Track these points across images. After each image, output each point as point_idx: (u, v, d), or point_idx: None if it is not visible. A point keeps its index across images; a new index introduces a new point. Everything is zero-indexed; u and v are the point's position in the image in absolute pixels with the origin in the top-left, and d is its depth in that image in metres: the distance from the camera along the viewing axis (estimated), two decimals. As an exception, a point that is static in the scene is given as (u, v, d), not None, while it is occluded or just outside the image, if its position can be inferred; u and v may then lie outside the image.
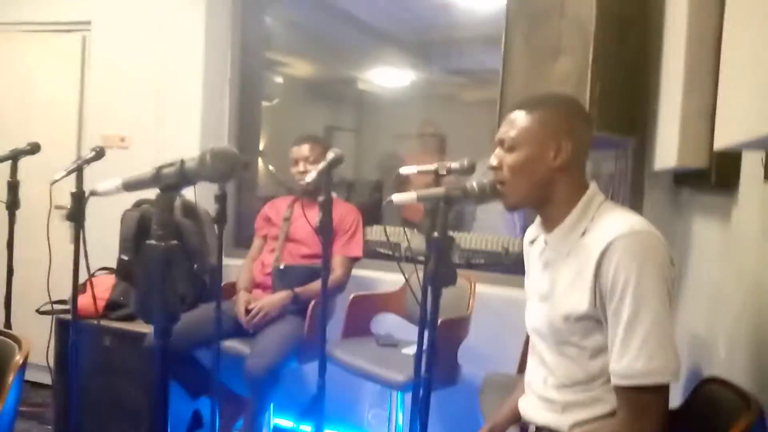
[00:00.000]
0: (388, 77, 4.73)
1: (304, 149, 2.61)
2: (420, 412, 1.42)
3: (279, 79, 4.30)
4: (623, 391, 1.15)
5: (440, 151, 4.08)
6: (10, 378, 1.29)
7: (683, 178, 1.93)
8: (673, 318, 1.17)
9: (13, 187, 2.30)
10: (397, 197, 1.48)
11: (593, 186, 1.31)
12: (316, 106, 4.89)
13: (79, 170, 2.15)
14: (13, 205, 2.31)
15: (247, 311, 2.44)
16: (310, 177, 1.89)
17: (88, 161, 2.18)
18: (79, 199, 2.15)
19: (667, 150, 1.59)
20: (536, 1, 2.06)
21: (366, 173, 4.25)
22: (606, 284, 1.16)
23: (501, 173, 1.31)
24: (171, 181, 1.02)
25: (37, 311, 2.47)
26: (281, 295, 2.47)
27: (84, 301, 2.47)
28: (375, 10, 4.18)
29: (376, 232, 3.16)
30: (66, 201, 3.31)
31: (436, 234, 1.36)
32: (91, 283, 2.60)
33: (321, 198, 1.86)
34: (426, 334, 1.61)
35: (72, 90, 3.36)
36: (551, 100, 1.37)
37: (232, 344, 2.38)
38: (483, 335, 2.34)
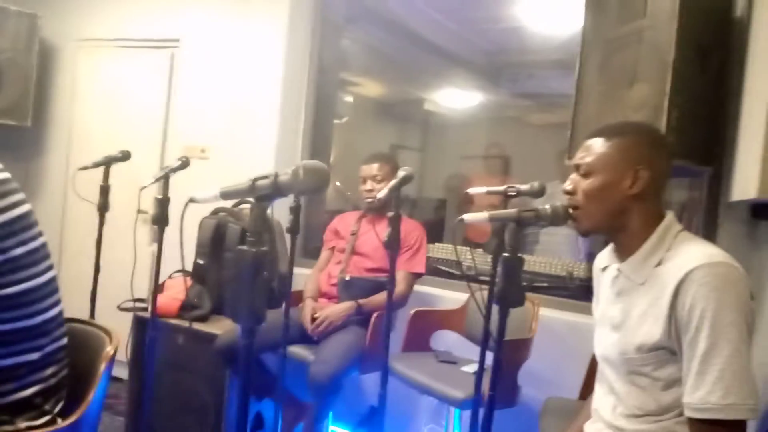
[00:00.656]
0: (455, 98, 4.79)
1: (374, 168, 2.69)
2: (482, 430, 1.44)
3: (349, 98, 4.44)
4: (697, 424, 1.13)
5: (504, 173, 4.09)
6: (102, 367, 1.39)
7: (762, 210, 1.88)
8: (751, 353, 1.15)
9: (105, 191, 2.47)
10: (468, 217, 1.52)
11: (670, 215, 1.30)
12: (383, 125, 5.01)
13: (165, 178, 2.30)
14: (103, 207, 2.48)
15: (313, 319, 2.52)
16: (381, 193, 1.96)
17: (175, 170, 2.32)
18: (164, 205, 2.29)
19: (747, 180, 1.57)
20: (613, 27, 2.07)
21: (429, 192, 4.31)
22: (682, 315, 1.15)
23: (575, 198, 1.33)
24: (265, 192, 1.10)
25: (119, 308, 2.63)
26: (346, 306, 2.54)
27: (161, 300, 2.63)
28: (447, 33, 4.27)
29: (437, 250, 3.20)
30: (146, 206, 3.53)
31: (505, 254, 1.39)
32: (169, 284, 2.78)
33: (390, 214, 1.92)
34: (489, 353, 1.64)
35: (159, 102, 3.58)
36: (631, 128, 1.38)
37: (296, 350, 2.46)
38: (544, 359, 2.33)
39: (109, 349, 1.41)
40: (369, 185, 2.68)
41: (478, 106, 4.68)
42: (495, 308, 1.46)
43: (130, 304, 2.76)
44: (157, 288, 2.38)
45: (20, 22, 3.47)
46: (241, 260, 1.10)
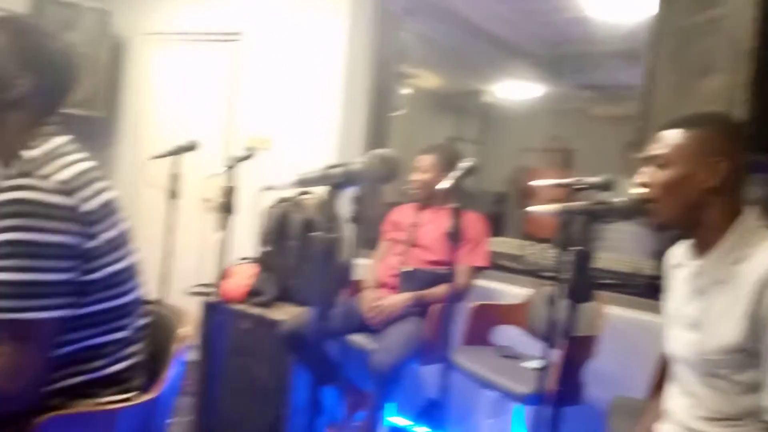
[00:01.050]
0: (515, 90, 4.72)
1: (426, 159, 2.69)
2: (550, 426, 1.43)
3: (406, 90, 4.44)
4: None
5: (566, 166, 3.99)
6: (179, 346, 1.45)
7: None
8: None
9: (175, 178, 2.57)
10: (536, 209, 1.50)
11: (751, 210, 1.25)
12: (440, 117, 4.98)
13: (233, 167, 2.37)
14: (173, 194, 2.58)
15: (372, 308, 2.54)
16: (444, 184, 1.95)
17: (242, 159, 2.39)
18: (230, 193, 2.37)
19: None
20: (687, 16, 1.99)
21: (487, 185, 4.26)
22: (765, 315, 1.11)
23: (650, 191, 1.29)
24: (338, 180, 1.12)
25: (187, 292, 2.74)
26: (405, 296, 2.55)
27: (228, 286, 2.72)
28: (507, 24, 4.20)
29: (498, 244, 3.16)
30: (211, 195, 3.62)
31: (576, 248, 1.36)
32: (235, 271, 2.86)
33: (453, 205, 1.92)
34: (553, 349, 1.61)
35: (223, 94, 3.69)
36: (710, 119, 1.33)
37: (357, 339, 2.50)
38: (609, 357, 2.28)
39: (184, 330, 1.47)
40: (417, 175, 2.68)
41: (539, 98, 4.60)
42: (561, 304, 1.44)
43: (198, 289, 2.88)
44: (225, 274, 2.46)
45: (92, 17, 3.64)
46: (314, 246, 1.12)
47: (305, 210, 2.90)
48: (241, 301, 2.76)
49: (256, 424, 2.64)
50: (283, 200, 2.97)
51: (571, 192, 2.04)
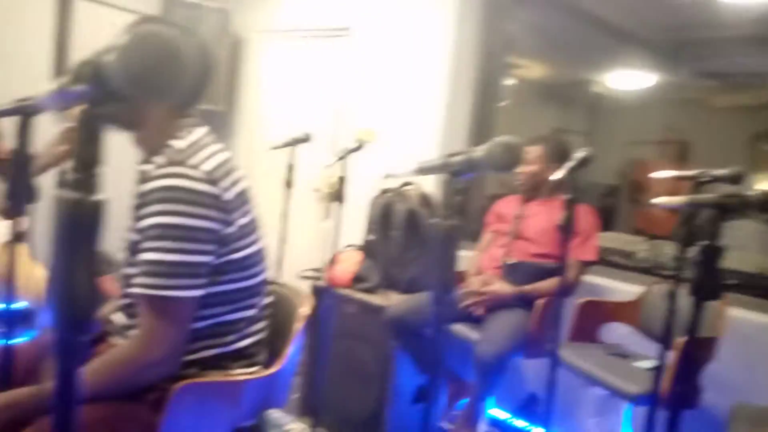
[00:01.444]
0: (627, 79, 4.49)
1: (533, 151, 2.63)
2: (664, 429, 1.37)
3: (511, 81, 4.36)
4: None
5: (681, 159, 3.77)
6: (299, 325, 1.54)
7: None
8: None
9: (291, 168, 2.70)
10: (661, 200, 1.44)
11: None
12: (545, 108, 4.85)
13: (344, 158, 2.46)
14: (289, 184, 2.71)
15: (475, 295, 2.53)
16: (558, 174, 1.91)
17: (353, 151, 2.47)
18: (341, 183, 2.45)
19: None
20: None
21: (596, 178, 4.10)
22: None
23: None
24: (458, 168, 1.13)
25: (299, 276, 2.87)
26: (508, 290, 2.52)
27: (336, 272, 2.83)
28: (621, 9, 4.00)
29: (609, 239, 3.05)
30: (320, 185, 3.75)
31: (703, 243, 1.30)
32: (342, 257, 2.96)
33: (565, 196, 1.88)
34: (668, 349, 1.54)
35: (333, 88, 3.81)
36: None
37: (460, 329, 2.51)
38: (730, 361, 2.14)
39: (304, 309, 1.55)
40: (522, 167, 2.63)
41: (653, 88, 4.35)
42: (683, 302, 1.37)
43: (308, 273, 3.01)
44: (335, 259, 2.56)
45: (214, 17, 3.88)
46: (432, 233, 1.14)
47: (408, 200, 2.94)
48: (347, 287, 2.85)
49: (358, 407, 2.72)
50: (386, 191, 3.03)
51: (693, 185, 1.94)
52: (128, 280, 1.30)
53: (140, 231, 1.25)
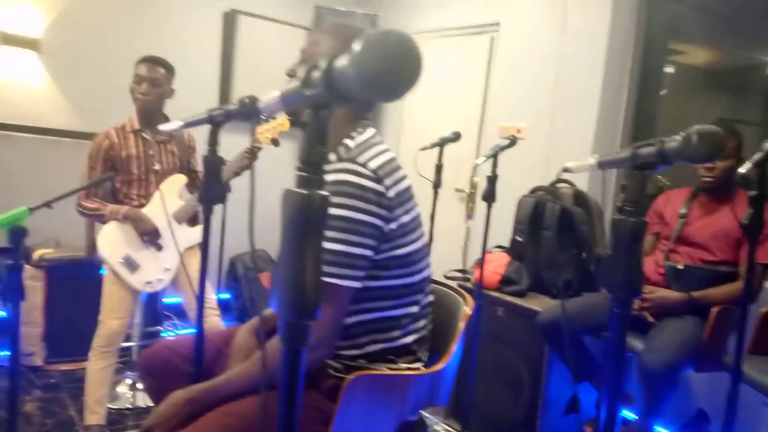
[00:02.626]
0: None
1: (730, 142, 2.39)
2: None
3: (670, 69, 4.03)
4: None
5: None
6: (462, 324, 1.53)
7: None
8: None
9: (439, 169, 2.71)
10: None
11: None
12: (709, 97, 4.43)
13: (494, 156, 2.41)
14: (437, 184, 2.72)
15: (640, 303, 2.37)
16: (744, 168, 1.72)
17: (504, 148, 2.42)
18: (492, 182, 2.41)
19: None
20: None
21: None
22: None
23: None
24: (647, 160, 1.06)
25: (446, 276, 2.87)
26: (676, 296, 2.33)
27: (482, 273, 2.79)
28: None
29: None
30: (461, 185, 3.74)
31: None
32: (488, 258, 2.91)
33: (752, 193, 1.69)
34: None
35: (478, 85, 3.77)
36: None
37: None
38: None
39: (466, 309, 1.54)
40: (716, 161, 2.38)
41: None
42: None
43: (455, 274, 3.00)
44: (484, 260, 2.52)
45: (364, 22, 4.01)
46: (617, 230, 1.08)
47: (561, 199, 2.82)
48: (494, 288, 2.80)
49: (507, 413, 2.66)
50: (537, 189, 2.93)
51: None
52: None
53: None
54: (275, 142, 2.61)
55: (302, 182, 0.57)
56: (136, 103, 2.59)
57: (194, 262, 2.66)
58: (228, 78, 4.10)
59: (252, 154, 2.53)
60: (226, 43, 4.09)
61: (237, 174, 2.64)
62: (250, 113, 1.47)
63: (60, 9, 3.49)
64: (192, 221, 2.74)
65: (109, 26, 3.66)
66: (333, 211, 1.25)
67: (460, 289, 1.65)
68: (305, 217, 0.56)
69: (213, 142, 1.45)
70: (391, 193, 1.31)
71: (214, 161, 1.45)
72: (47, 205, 1.81)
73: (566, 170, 1.26)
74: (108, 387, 2.47)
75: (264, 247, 4.35)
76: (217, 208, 1.47)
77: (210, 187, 1.45)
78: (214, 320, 2.57)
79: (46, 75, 3.50)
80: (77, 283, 3.09)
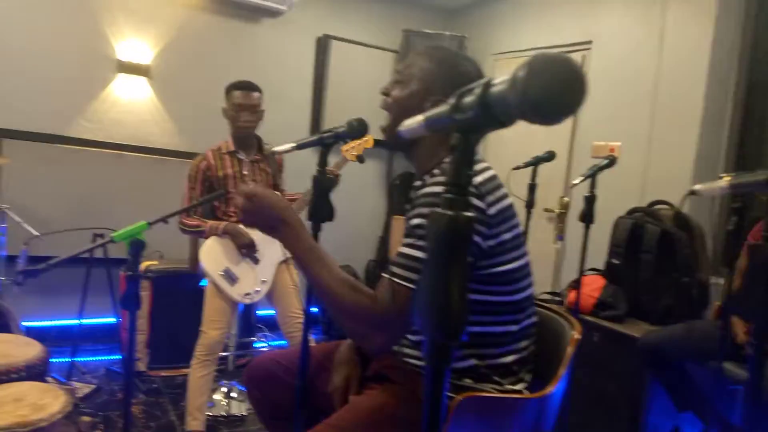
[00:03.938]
0: None
1: None
2: None
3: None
4: None
5: None
6: (570, 349, 1.50)
7: None
8: None
9: (532, 188, 2.67)
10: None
11: None
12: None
13: (592, 176, 2.35)
14: (530, 203, 2.68)
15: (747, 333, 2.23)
16: None
17: (602, 168, 2.36)
18: (591, 202, 2.35)
19: None
20: None
21: None
22: None
23: None
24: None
25: (537, 299, 2.81)
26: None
27: (575, 296, 2.71)
28: None
29: None
30: (551, 204, 3.66)
31: None
32: (582, 281, 2.83)
33: None
34: None
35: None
36: None
37: (730, 367, 2.22)
38: None
39: (575, 333, 1.51)
40: None
41: None
42: None
43: (546, 297, 2.94)
44: (579, 283, 2.46)
45: (452, 44, 4.05)
46: (755, 257, 1.03)
47: (662, 221, 2.70)
48: (588, 313, 2.71)
49: (602, 441, 2.56)
50: (635, 210, 2.83)
51: None
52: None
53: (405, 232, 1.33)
54: (360, 159, 2.68)
55: (449, 204, 0.59)
56: (238, 130, 2.71)
57: (287, 276, 2.75)
58: (319, 100, 4.25)
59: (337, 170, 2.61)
60: (318, 66, 4.25)
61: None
62: (358, 134, 1.53)
63: (168, 38, 3.76)
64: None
65: (210, 53, 3.90)
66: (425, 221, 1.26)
67: (565, 313, 1.62)
68: (451, 239, 0.58)
69: (323, 162, 1.51)
70: (492, 211, 1.30)
71: (323, 180, 1.50)
72: (164, 220, 1.93)
73: (693, 193, 1.21)
74: (208, 394, 2.59)
75: (349, 262, 4.43)
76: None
77: (319, 206, 1.50)
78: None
79: (155, 99, 3.77)
80: (179, 293, 3.27)
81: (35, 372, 1.96)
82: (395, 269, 1.25)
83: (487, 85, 0.58)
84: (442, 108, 0.64)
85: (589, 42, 3.58)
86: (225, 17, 3.93)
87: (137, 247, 1.76)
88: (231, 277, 2.64)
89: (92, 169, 3.60)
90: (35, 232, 2.79)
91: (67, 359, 3.13)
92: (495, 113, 0.57)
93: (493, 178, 1.37)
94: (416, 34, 4.07)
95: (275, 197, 1.33)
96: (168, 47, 3.76)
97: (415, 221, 1.26)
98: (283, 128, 2.82)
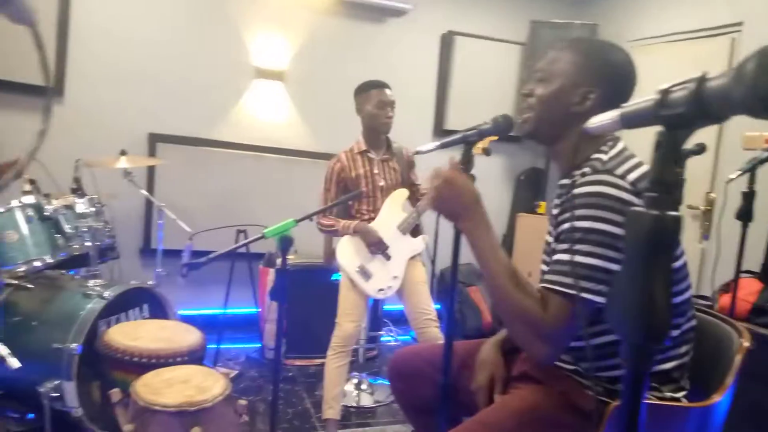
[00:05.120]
0: None
1: None
2: None
3: None
4: None
5: None
6: (739, 358, 1.39)
7: None
8: None
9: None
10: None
11: None
12: None
13: (752, 170, 2.16)
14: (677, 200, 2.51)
15: None
16: None
17: (762, 161, 2.16)
18: (749, 199, 2.16)
19: None
20: None
21: None
22: None
23: None
24: None
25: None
26: None
27: (728, 301, 2.50)
28: None
29: None
30: (696, 201, 3.41)
31: None
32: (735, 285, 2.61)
33: None
34: None
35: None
36: None
37: None
38: None
39: (744, 342, 1.40)
40: None
41: None
42: None
43: (695, 300, 2.73)
44: (723, 287, 2.27)
45: (583, 33, 3.88)
46: None
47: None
48: (742, 319, 2.49)
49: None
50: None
51: None
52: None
53: (558, 235, 1.29)
54: (487, 152, 2.64)
55: (653, 203, 0.57)
56: (381, 126, 2.78)
57: (416, 272, 2.79)
58: (443, 97, 4.26)
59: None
60: (443, 63, 4.26)
61: None
62: (503, 131, 1.51)
63: (301, 43, 3.95)
64: (414, 232, 2.88)
65: (339, 55, 4.04)
66: (585, 224, 1.21)
67: (729, 319, 1.50)
68: (656, 239, 0.56)
69: (466, 160, 1.50)
70: None
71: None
72: (309, 218, 2.04)
73: None
74: (343, 384, 2.69)
75: (469, 261, 4.40)
76: (431, 222, 1.51)
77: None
78: (434, 331, 2.66)
79: (289, 102, 3.97)
80: (313, 286, 3.42)
81: (196, 357, 2.15)
82: (558, 278, 1.22)
83: (703, 79, 0.55)
84: (641, 103, 0.62)
85: (740, 23, 3.28)
86: (352, 19, 4.05)
87: (286, 243, 1.87)
88: (365, 273, 2.72)
89: (233, 170, 3.87)
90: (188, 229, 3.04)
91: (213, 346, 3.39)
92: (711, 108, 0.54)
93: (647, 174, 1.29)
94: (544, 25, 3.95)
95: (471, 186, 1.34)
96: (301, 52, 3.95)
97: (575, 224, 1.22)
98: (406, 127, 2.86)
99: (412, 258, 2.83)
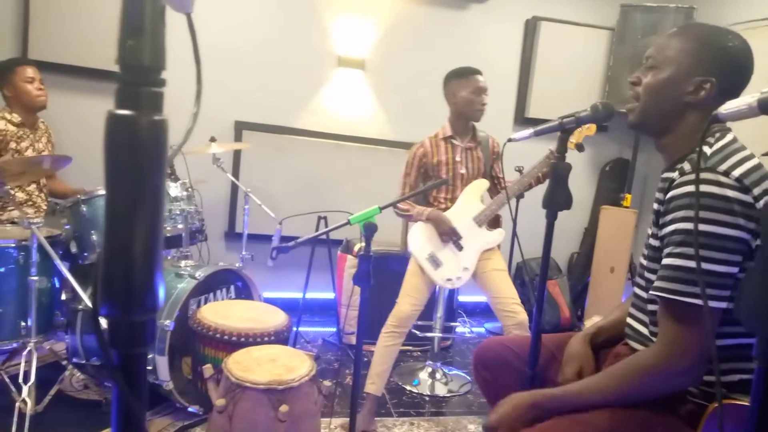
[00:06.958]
0: None
1: None
2: None
3: None
4: None
5: None
6: None
7: None
8: None
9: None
10: None
11: None
12: None
13: None
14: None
15: None
16: None
17: None
18: None
19: None
20: None
21: None
22: None
23: None
24: None
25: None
26: None
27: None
28: None
29: None
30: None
31: None
32: None
33: None
34: None
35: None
36: None
37: None
38: None
39: None
40: None
41: None
42: None
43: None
44: None
45: (679, 16, 3.67)
46: None
47: None
48: None
49: None
50: None
51: None
52: (649, 285, 1.30)
53: (663, 237, 1.24)
54: (580, 147, 2.55)
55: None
56: (475, 113, 2.76)
57: (493, 262, 2.75)
58: (526, 83, 4.16)
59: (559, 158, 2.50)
60: (526, 49, 4.15)
61: (540, 180, 2.65)
62: (602, 120, 1.46)
63: (382, 31, 3.96)
64: (492, 224, 2.83)
65: (420, 43, 4.02)
66: (687, 225, 1.17)
67: None
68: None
69: (562, 149, 1.46)
70: (761, 204, 1.16)
71: (561, 168, 1.46)
72: (393, 205, 2.05)
73: None
74: (390, 364, 2.66)
75: (552, 254, 4.29)
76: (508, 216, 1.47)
77: (557, 193, 1.47)
78: (523, 316, 2.59)
79: (369, 90, 4.00)
80: (388, 273, 3.44)
81: (282, 338, 2.22)
82: (669, 285, 1.19)
83: None
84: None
85: None
86: (434, 6, 4.02)
87: (371, 229, 1.89)
88: (435, 261, 2.71)
89: (314, 158, 3.95)
90: (272, 215, 3.13)
91: (293, 328, 3.49)
92: None
93: (757, 167, 1.21)
94: (636, 9, 3.76)
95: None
96: (382, 40, 3.96)
97: (680, 226, 1.18)
98: (487, 115, 2.80)
99: (489, 250, 2.79)
